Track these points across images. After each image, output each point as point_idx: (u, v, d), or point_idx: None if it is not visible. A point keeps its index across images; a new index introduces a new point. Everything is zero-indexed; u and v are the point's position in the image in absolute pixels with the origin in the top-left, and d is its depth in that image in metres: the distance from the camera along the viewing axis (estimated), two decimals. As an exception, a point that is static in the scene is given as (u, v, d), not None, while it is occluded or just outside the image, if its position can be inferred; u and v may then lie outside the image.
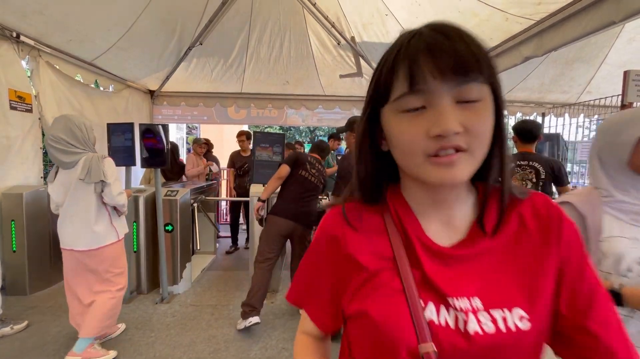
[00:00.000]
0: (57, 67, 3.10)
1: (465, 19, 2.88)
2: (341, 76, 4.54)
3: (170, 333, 2.27)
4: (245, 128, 12.07)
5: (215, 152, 4.82)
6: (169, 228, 2.78)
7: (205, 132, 9.01)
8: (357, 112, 5.41)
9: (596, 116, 5.73)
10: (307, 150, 4.55)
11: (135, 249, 2.73)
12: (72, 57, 3.21)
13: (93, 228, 1.82)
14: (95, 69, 3.56)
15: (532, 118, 5.97)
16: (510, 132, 2.57)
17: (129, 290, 2.72)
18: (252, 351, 2.08)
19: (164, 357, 2.00)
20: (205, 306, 2.67)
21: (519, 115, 5.66)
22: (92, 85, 3.62)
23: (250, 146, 3.98)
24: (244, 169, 4.15)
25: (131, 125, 2.36)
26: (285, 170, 2.36)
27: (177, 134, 8.38)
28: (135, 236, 2.71)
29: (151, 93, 4.75)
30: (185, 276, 2.94)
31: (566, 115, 5.49)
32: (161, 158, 2.42)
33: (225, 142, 8.28)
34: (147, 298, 2.75)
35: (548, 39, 2.42)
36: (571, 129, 5.69)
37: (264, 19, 3.74)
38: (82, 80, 3.45)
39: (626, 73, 2.91)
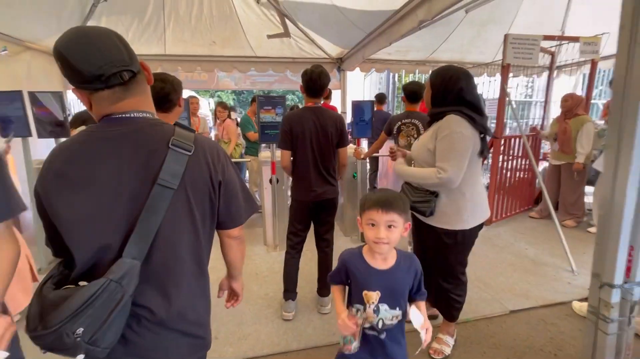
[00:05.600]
0: None
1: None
2: (269, 36, 4.47)
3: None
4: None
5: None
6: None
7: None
8: (290, 73, 5.40)
9: (511, 74, 6.28)
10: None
11: None
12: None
13: None
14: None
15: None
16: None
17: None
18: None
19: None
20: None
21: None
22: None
23: None
24: None
25: (18, 93, 2.25)
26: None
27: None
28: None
29: (60, 56, 4.35)
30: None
31: (485, 74, 5.95)
32: (60, 128, 2.36)
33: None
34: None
35: (435, 3, 2.61)
36: (490, 87, 6.22)
37: (174, -27, 3.52)
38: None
39: (506, 37, 3.26)
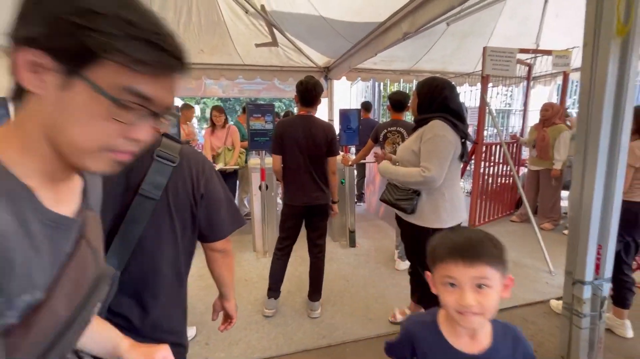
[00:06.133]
0: None
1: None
2: (257, 45, 4.54)
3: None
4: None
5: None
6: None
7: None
8: (278, 82, 5.47)
9: (490, 84, 6.55)
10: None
11: None
12: None
13: None
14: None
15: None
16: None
17: None
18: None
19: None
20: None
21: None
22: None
23: None
24: None
25: (3, 100, 2.23)
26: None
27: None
28: None
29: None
30: None
31: (466, 84, 6.19)
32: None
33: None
34: None
35: (418, 16, 2.74)
36: (471, 96, 6.46)
37: (163, -18, 3.56)
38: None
39: (484, 50, 3.43)
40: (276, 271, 2.23)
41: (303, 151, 2.08)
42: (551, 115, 3.62)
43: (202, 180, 0.85)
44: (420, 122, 1.66)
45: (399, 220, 1.83)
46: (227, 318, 1.09)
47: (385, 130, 2.70)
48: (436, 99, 1.60)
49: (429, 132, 1.56)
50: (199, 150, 0.85)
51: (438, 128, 1.55)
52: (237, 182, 4.51)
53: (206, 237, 0.91)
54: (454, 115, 1.60)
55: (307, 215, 2.19)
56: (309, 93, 2.06)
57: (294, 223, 2.21)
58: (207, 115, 4.18)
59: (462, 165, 1.76)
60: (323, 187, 2.16)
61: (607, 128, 1.31)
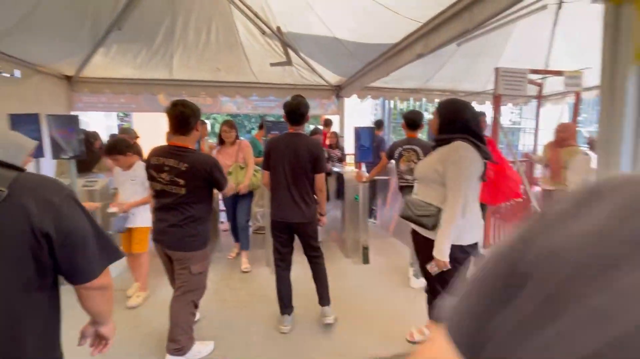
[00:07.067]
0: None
1: (371, 18, 3.20)
2: (272, 64, 4.68)
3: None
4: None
5: (151, 143, 4.65)
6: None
7: (140, 121, 8.59)
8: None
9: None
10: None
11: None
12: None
13: None
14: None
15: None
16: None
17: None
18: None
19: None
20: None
21: (437, 101, 6.31)
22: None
23: None
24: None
25: (36, 116, 2.35)
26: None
27: (107, 122, 7.86)
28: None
29: (68, 79, 4.47)
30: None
31: (474, 102, 6.26)
32: (74, 148, 2.44)
33: (163, 131, 8.01)
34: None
35: (432, 39, 2.84)
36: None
37: (187, 6, 3.75)
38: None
39: (497, 70, 3.50)
40: (282, 288, 2.25)
41: (286, 168, 2.13)
42: (566, 137, 3.57)
43: (48, 215, 0.69)
44: (440, 142, 1.70)
45: (415, 235, 1.84)
46: (102, 340, 0.96)
47: (401, 149, 2.75)
48: (457, 120, 1.65)
49: (454, 153, 1.60)
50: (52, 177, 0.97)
51: (463, 149, 1.59)
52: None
53: (74, 279, 0.78)
54: (474, 136, 1.64)
55: (290, 230, 2.22)
56: (293, 113, 2.14)
57: (280, 235, 2.24)
58: (217, 130, 3.97)
59: (479, 184, 1.79)
60: (301, 205, 2.15)
61: (627, 150, 1.34)
